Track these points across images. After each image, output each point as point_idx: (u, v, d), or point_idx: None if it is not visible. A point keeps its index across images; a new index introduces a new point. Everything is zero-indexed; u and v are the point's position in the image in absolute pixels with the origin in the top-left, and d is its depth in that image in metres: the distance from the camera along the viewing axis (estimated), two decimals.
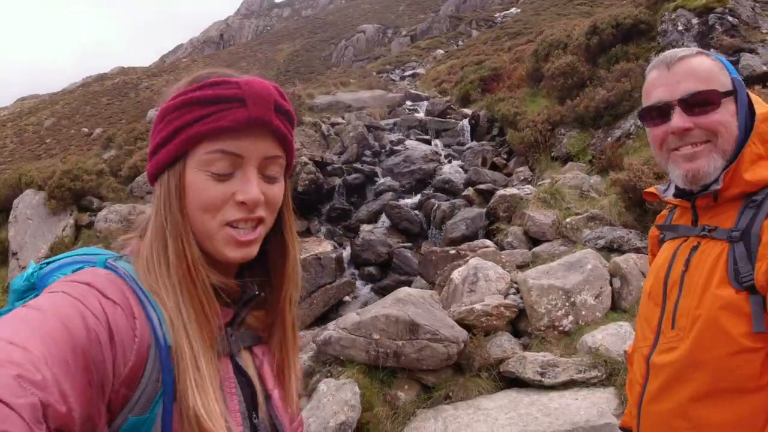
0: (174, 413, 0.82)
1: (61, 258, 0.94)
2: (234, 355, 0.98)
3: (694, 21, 9.66)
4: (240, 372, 0.98)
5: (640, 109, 1.41)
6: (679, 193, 1.41)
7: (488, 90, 14.85)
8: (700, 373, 1.23)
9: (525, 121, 10.71)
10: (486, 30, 36.97)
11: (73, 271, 0.88)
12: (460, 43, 36.70)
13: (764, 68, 8.37)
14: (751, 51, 8.76)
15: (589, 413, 3.58)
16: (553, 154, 9.96)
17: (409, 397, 4.25)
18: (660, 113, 1.33)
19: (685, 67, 1.31)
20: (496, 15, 41.35)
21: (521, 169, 10.22)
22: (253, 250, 0.95)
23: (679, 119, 1.28)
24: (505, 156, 11.44)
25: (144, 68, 57.13)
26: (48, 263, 0.93)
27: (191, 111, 0.88)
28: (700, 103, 1.27)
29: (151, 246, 0.90)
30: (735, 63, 8.58)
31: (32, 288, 0.90)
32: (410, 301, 4.63)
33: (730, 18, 9.33)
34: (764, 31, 9.25)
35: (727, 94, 1.28)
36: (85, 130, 31.40)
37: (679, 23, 9.88)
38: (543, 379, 4.09)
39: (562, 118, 10.24)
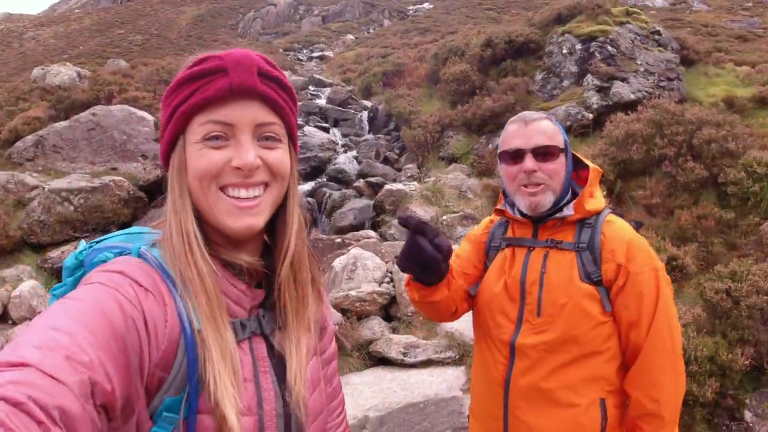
0: (200, 394, 0.86)
1: (108, 239, 0.98)
2: (268, 336, 1.00)
3: (578, 46, 10.63)
4: (274, 352, 1.00)
5: (500, 151, 1.86)
6: (521, 215, 1.86)
7: (390, 84, 15.33)
8: (570, 346, 1.68)
9: (418, 120, 11.34)
10: (397, 21, 37.58)
11: (113, 256, 0.91)
12: (371, 30, 36.96)
13: (632, 96, 9.39)
14: (624, 80, 9.77)
15: (439, 388, 4.19)
16: (440, 154, 10.67)
17: None
18: (516, 157, 1.78)
19: (538, 127, 1.78)
20: (409, 8, 42.01)
21: (410, 165, 10.86)
22: (258, 220, 0.95)
23: (530, 162, 1.75)
24: (397, 151, 12.01)
25: (32, 16, 52.25)
26: (97, 242, 0.97)
27: (183, 89, 0.93)
28: (545, 153, 1.76)
29: (167, 229, 0.94)
30: (607, 89, 9.65)
31: (80, 265, 0.94)
32: None
33: (609, 48, 10.33)
34: (638, 62, 10.28)
35: (562, 150, 1.79)
36: None
37: (564, 47, 10.86)
38: (405, 358, 4.67)
39: (451, 121, 10.98)
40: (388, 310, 5.58)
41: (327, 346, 1.24)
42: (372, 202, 9.04)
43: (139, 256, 0.91)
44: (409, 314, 5.34)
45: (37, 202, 8.41)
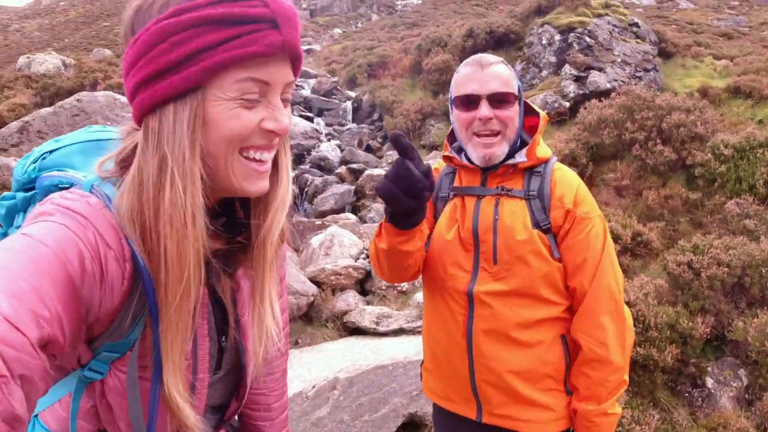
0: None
1: (62, 148, 0.94)
2: (214, 285, 0.98)
3: (557, 37, 10.82)
4: (215, 298, 0.99)
5: (452, 97, 1.74)
6: (469, 161, 1.77)
7: (374, 76, 15.47)
8: (528, 290, 1.65)
9: (401, 110, 11.49)
10: (385, 16, 37.70)
11: (63, 187, 0.87)
12: (359, 24, 37.03)
13: (608, 86, 9.55)
14: (600, 70, 9.95)
15: (407, 352, 4.33)
16: (422, 142, 10.81)
17: None
18: (470, 102, 1.68)
19: (494, 71, 1.68)
20: (398, 3, 42.14)
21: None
22: (267, 182, 0.91)
23: (485, 109, 1.66)
24: (380, 140, 12.15)
25: (17, 8, 51.71)
26: (50, 152, 0.93)
27: (212, 30, 0.77)
28: (501, 100, 1.67)
29: (139, 187, 0.81)
30: (584, 79, 9.85)
31: (31, 182, 0.92)
32: None
33: (587, 39, 10.51)
34: (615, 53, 10.46)
35: (516, 97, 1.71)
36: None
37: (543, 38, 11.04)
38: (378, 327, 4.80)
39: (433, 110, 11.14)
40: (364, 285, 5.71)
41: (281, 295, 1.24)
42: (353, 187, 9.17)
43: (93, 193, 0.84)
44: (383, 288, 5.48)
45: None
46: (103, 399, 0.91)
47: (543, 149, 1.79)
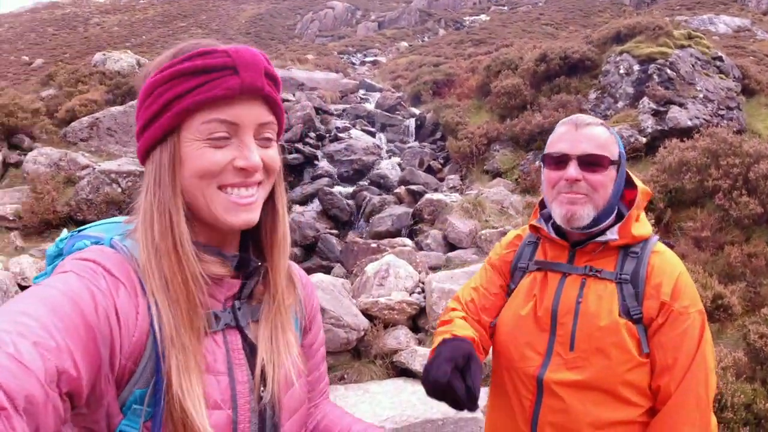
0: (165, 389, 0.85)
1: (88, 228, 0.98)
2: (243, 328, 0.99)
3: (636, 67, 10.34)
4: (249, 344, 0.99)
5: (543, 154, 1.68)
6: (558, 234, 1.66)
7: (439, 94, 15.29)
8: (605, 385, 1.50)
9: (465, 132, 11.24)
10: (452, 31, 37.52)
11: (90, 244, 0.91)
12: (425, 38, 37.02)
13: (689, 123, 9.03)
14: (681, 105, 9.43)
15: None
16: (485, 167, 10.53)
17: None
18: (559, 162, 1.60)
19: (589, 132, 1.59)
20: (466, 18, 41.90)
21: (453, 176, 10.75)
22: (255, 215, 0.95)
23: (573, 170, 1.56)
24: (441, 161, 11.93)
25: (98, 3, 54.49)
26: (78, 231, 0.97)
27: (182, 82, 0.88)
28: (592, 162, 1.57)
29: (141, 226, 0.90)
30: (663, 114, 9.35)
31: (60, 254, 0.94)
32: (321, 287, 5.01)
33: (668, 71, 9.99)
34: (698, 88, 9.91)
35: (613, 162, 1.59)
36: (26, 58, 29.81)
37: (621, 67, 10.58)
38: None
39: (499, 135, 10.83)
40: (417, 321, 5.49)
41: (316, 335, 1.22)
42: (411, 210, 8.98)
43: (112, 246, 0.90)
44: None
45: (86, 181, 8.68)
46: None
47: (641, 227, 1.62)
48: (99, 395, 0.78)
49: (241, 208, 0.93)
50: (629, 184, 1.70)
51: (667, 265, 1.57)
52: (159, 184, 0.90)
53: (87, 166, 9.33)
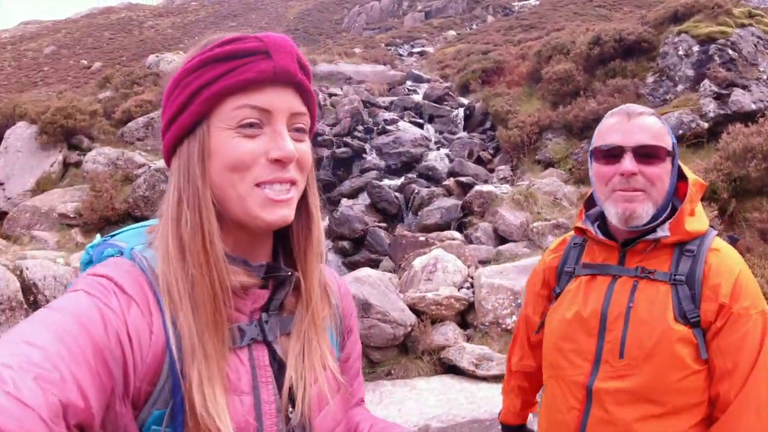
0: (185, 406, 0.80)
1: (120, 233, 0.95)
2: (270, 342, 0.92)
3: (695, 48, 9.85)
4: (278, 360, 0.92)
5: (593, 148, 1.56)
6: (605, 235, 1.56)
7: (488, 82, 14.98)
8: (656, 396, 1.40)
9: (515, 121, 10.96)
10: (501, 17, 36.77)
11: (115, 254, 0.88)
12: (473, 26, 36.44)
13: (753, 106, 8.54)
14: (744, 87, 8.94)
15: None
16: (537, 157, 10.25)
17: None
18: (612, 155, 1.48)
19: (643, 122, 1.48)
20: (515, 4, 40.95)
21: (503, 167, 10.52)
22: (291, 213, 0.89)
23: (629, 163, 1.44)
24: (491, 151, 11.69)
25: (152, 7, 56.35)
26: (111, 236, 0.94)
27: (212, 69, 0.84)
28: (649, 154, 1.45)
29: (167, 226, 0.85)
30: (726, 97, 8.84)
31: (91, 261, 0.92)
32: (368, 281, 4.97)
33: (730, 51, 9.48)
34: (761, 69, 9.37)
35: (669, 153, 1.49)
36: (84, 62, 31.15)
37: (680, 48, 10.08)
38: (477, 370, 4.46)
39: (551, 123, 10.51)
40: (465, 317, 5.37)
41: (353, 348, 1.14)
42: (460, 202, 8.84)
43: (131, 257, 0.85)
44: (487, 324, 5.11)
45: (143, 179, 9.00)
46: None
47: (696, 222, 1.49)
48: (114, 418, 0.75)
49: (278, 205, 0.86)
50: (681, 177, 1.57)
51: (726, 264, 1.44)
52: (188, 178, 0.84)
53: (143, 165, 9.66)
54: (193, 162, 0.84)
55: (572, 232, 1.73)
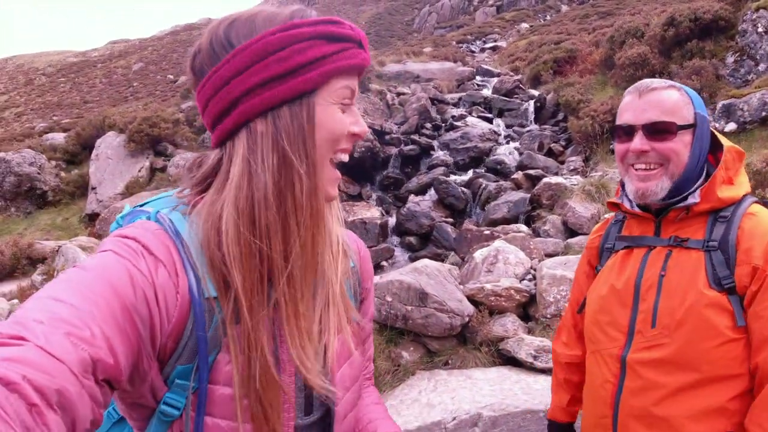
0: (217, 365, 0.85)
1: (150, 202, 0.98)
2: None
3: None
4: None
5: (611, 126, 1.62)
6: (641, 206, 1.59)
7: (560, 72, 14.57)
8: (689, 366, 1.38)
9: (587, 110, 10.59)
10: (576, 6, 35.55)
11: (144, 219, 0.91)
12: (547, 17, 35.49)
13: None
14: None
15: None
16: (610, 146, 9.85)
17: (413, 358, 4.66)
18: (625, 133, 1.51)
19: (654, 98, 1.48)
20: None
21: (574, 158, 10.19)
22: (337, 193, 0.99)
23: (639, 141, 1.47)
24: (563, 143, 11.36)
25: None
26: (141, 205, 0.97)
27: (323, 44, 0.87)
28: (658, 131, 1.45)
29: (248, 188, 0.86)
30: None
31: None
32: (425, 272, 4.99)
33: None
34: None
35: (684, 127, 1.46)
36: (171, 76, 33.09)
37: (759, 25, 9.41)
38: (535, 362, 4.37)
39: None
40: (527, 309, 5.27)
41: (368, 309, 1.19)
42: (528, 195, 8.66)
43: (157, 220, 0.88)
44: (548, 316, 4.99)
45: None
46: None
47: (731, 189, 1.46)
48: (142, 373, 0.80)
49: (338, 181, 0.95)
50: (718, 145, 1.53)
51: (761, 227, 1.39)
52: (293, 143, 0.86)
53: None
54: (302, 128, 0.86)
55: (609, 215, 1.73)
